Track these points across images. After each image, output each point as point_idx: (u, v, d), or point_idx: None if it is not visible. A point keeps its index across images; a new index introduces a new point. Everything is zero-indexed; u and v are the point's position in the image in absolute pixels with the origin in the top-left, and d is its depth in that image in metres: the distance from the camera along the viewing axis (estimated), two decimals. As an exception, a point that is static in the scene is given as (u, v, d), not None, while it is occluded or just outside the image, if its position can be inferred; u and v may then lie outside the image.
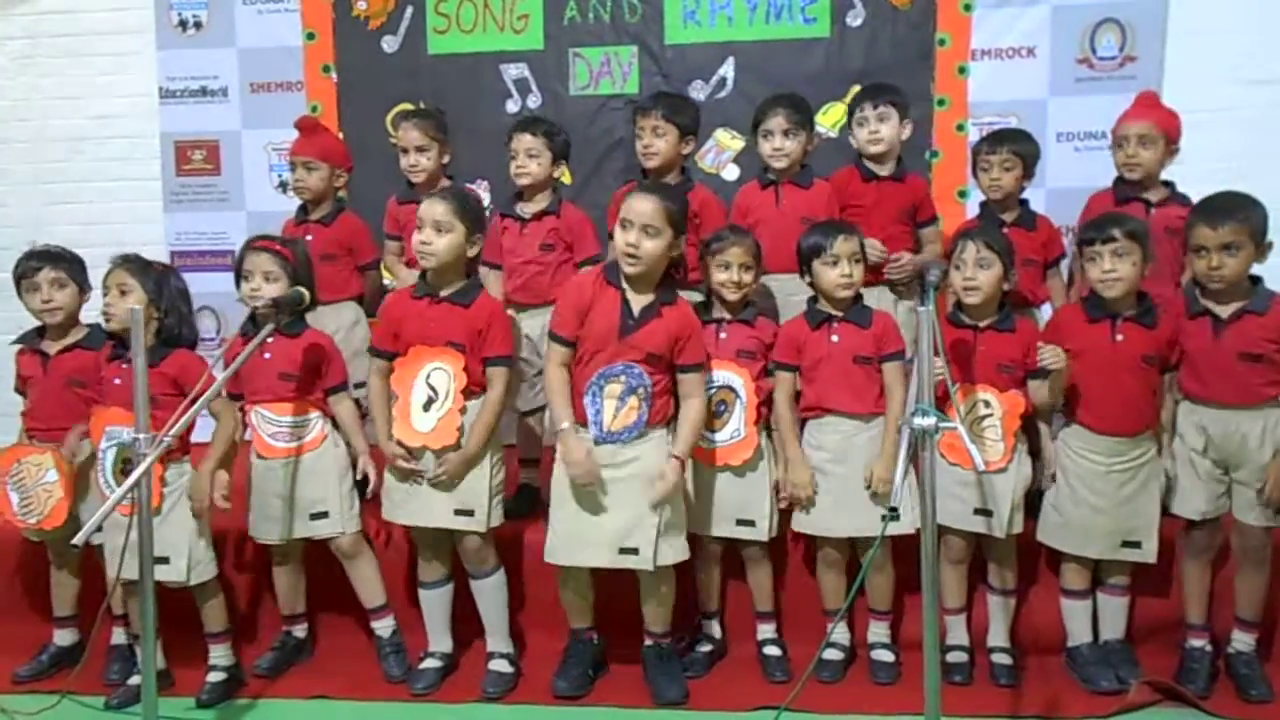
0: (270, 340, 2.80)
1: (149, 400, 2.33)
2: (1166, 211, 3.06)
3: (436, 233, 2.74)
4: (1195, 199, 2.84)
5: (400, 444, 2.79)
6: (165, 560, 2.79)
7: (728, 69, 4.08)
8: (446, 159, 3.39)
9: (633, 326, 2.68)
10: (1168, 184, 3.16)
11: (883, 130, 3.21)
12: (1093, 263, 2.70)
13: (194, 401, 2.35)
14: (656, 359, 2.69)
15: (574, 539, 2.74)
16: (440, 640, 2.97)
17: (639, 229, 2.64)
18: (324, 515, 2.90)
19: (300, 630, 3.09)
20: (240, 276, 2.89)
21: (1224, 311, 2.66)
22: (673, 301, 2.72)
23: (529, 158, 3.18)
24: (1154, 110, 3.15)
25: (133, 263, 2.85)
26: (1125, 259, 2.66)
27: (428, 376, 2.78)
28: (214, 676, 2.91)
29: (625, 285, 2.70)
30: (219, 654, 2.95)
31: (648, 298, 2.70)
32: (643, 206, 2.65)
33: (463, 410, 2.76)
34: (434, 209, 2.75)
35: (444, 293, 2.80)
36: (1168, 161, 3.13)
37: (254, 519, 2.95)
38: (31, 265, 3.00)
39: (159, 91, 4.39)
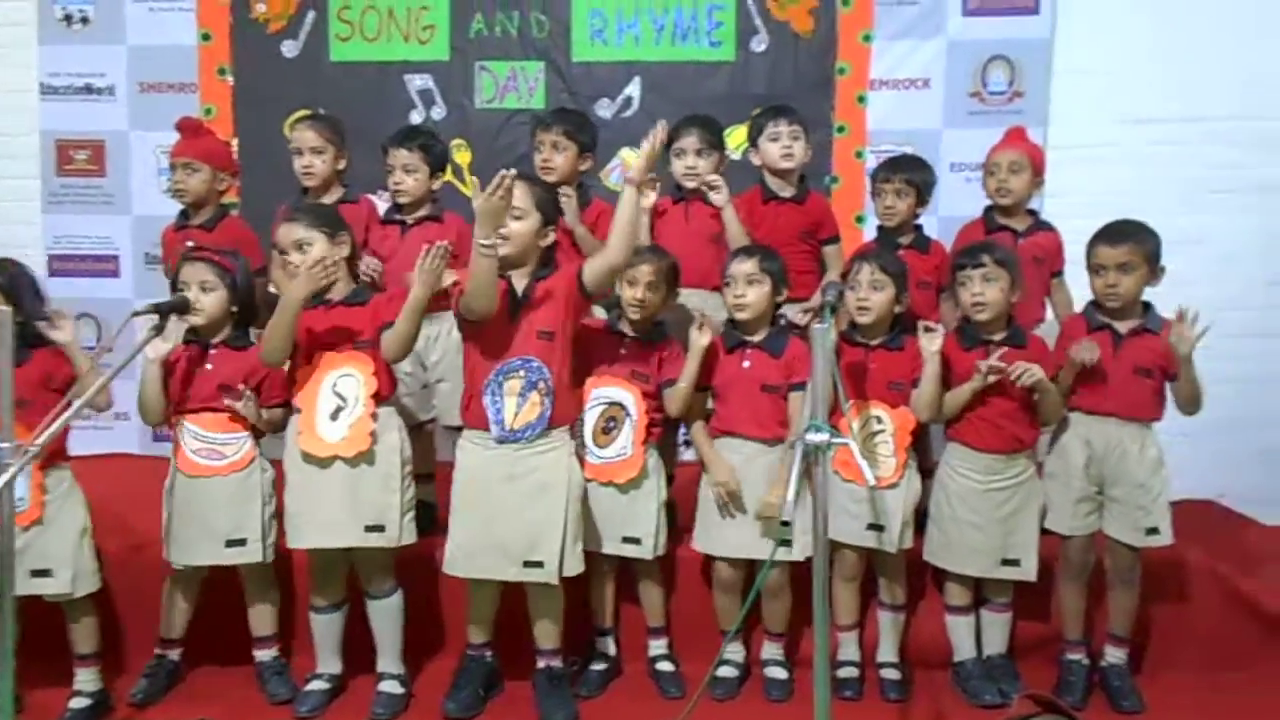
0: (213, 351, 2.76)
1: (13, 406, 2.23)
2: (1033, 240, 3.22)
3: (299, 250, 2.68)
4: (1071, 229, 3.00)
5: (308, 455, 2.69)
6: (47, 573, 2.66)
7: (634, 88, 4.11)
8: (342, 165, 3.30)
9: (520, 303, 2.66)
10: (1032, 213, 3.31)
11: (795, 148, 3.24)
12: (963, 286, 2.82)
13: (63, 411, 2.26)
14: (550, 338, 2.65)
15: (475, 550, 2.68)
16: (329, 662, 2.87)
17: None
18: (241, 543, 2.76)
19: (176, 654, 2.94)
20: (175, 289, 2.77)
21: (1123, 327, 2.81)
22: (550, 273, 2.70)
23: (405, 173, 3.16)
24: (1022, 142, 3.30)
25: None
26: (993, 284, 2.78)
27: (334, 385, 2.70)
28: (77, 703, 2.74)
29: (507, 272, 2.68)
30: (86, 678, 2.79)
31: (524, 280, 2.68)
32: None
33: (374, 416, 2.69)
34: (292, 232, 2.70)
35: (336, 297, 2.75)
36: (1034, 191, 3.29)
37: (171, 541, 2.79)
38: None
39: (40, 87, 4.20)
